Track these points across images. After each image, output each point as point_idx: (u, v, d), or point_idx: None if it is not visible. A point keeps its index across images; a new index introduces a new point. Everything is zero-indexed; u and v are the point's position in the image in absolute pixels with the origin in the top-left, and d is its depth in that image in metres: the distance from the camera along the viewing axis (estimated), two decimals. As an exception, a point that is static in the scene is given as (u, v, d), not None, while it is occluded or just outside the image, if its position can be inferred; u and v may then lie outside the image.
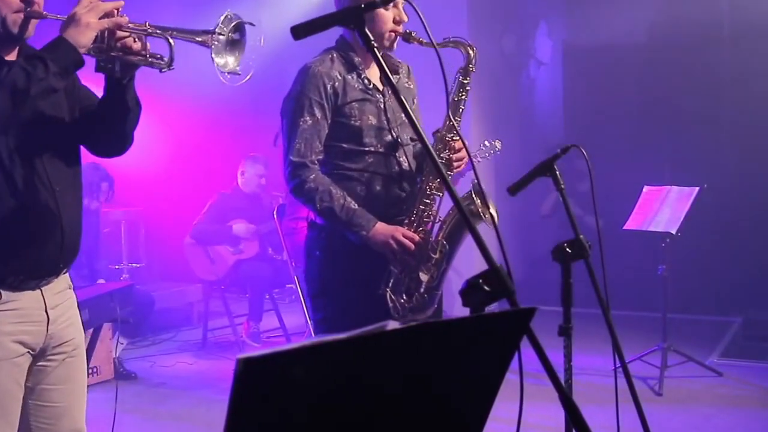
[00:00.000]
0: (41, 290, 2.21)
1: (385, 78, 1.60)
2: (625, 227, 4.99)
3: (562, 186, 2.37)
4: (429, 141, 1.62)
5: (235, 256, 5.95)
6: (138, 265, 6.62)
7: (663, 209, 4.89)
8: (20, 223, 2.13)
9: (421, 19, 1.69)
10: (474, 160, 5.38)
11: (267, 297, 6.09)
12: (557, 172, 2.36)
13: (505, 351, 1.33)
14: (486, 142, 5.57)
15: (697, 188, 4.87)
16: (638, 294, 6.22)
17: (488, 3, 7.18)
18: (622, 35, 7.27)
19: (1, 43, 2.14)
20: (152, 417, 4.64)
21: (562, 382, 2.45)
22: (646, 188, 5.08)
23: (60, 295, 2.28)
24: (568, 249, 2.30)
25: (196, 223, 5.99)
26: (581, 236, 2.31)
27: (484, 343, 1.30)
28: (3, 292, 2.14)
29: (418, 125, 1.61)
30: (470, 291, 1.54)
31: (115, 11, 2.08)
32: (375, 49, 1.65)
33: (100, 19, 2.04)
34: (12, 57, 2.17)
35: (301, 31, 1.70)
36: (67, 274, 2.32)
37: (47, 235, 2.18)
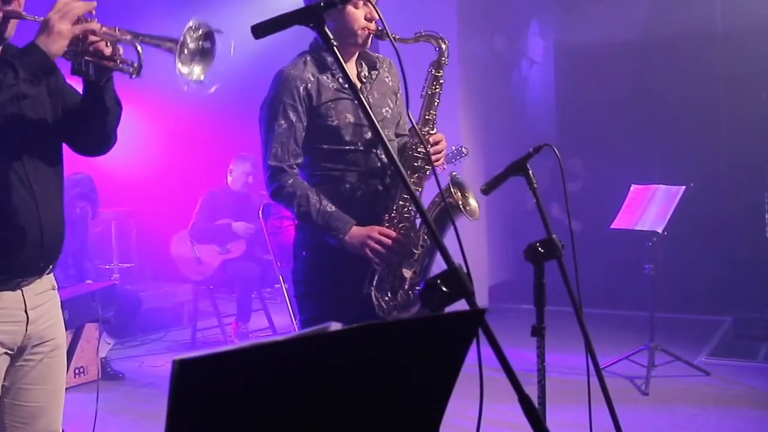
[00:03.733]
0: (22, 290, 2.19)
1: (345, 78, 1.59)
2: (612, 226, 4.99)
3: (535, 185, 2.36)
4: (390, 145, 1.61)
5: (222, 256, 5.95)
6: (128, 265, 6.62)
7: (650, 208, 4.88)
8: None
9: (380, 17, 1.68)
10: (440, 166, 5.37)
11: (254, 297, 6.08)
12: (530, 172, 2.36)
13: (455, 352, 1.32)
14: (453, 147, 5.53)
15: (684, 187, 4.86)
16: (628, 293, 6.21)
17: (478, 2, 7.17)
18: (615, 34, 7.27)
19: None
20: (139, 417, 4.63)
21: (536, 382, 2.46)
22: (633, 187, 5.07)
23: (42, 295, 2.26)
24: (540, 249, 2.29)
25: (193, 223, 6.00)
26: (554, 236, 2.30)
27: (434, 344, 1.29)
28: None
29: (378, 127, 1.60)
30: (428, 292, 1.53)
31: (90, 12, 2.07)
32: (335, 48, 1.64)
33: (73, 25, 2.03)
34: None
35: (260, 30, 1.69)
36: (51, 275, 2.30)
37: (26, 235, 2.15)
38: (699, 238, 6.69)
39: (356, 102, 2.68)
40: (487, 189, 2.43)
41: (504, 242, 7.38)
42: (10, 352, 2.21)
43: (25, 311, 2.20)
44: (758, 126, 6.61)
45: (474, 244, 7.04)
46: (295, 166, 2.68)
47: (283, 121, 2.64)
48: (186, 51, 2.01)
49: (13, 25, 2.13)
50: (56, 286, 2.36)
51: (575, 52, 7.71)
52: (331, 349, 1.14)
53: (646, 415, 4.29)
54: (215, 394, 1.07)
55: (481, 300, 7.44)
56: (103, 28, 2.07)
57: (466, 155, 5.62)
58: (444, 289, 1.52)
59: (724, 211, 6.87)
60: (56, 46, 2.01)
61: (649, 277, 4.84)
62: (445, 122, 7.44)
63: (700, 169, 6.67)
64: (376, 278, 2.68)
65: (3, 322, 2.17)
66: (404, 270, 2.69)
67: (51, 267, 2.28)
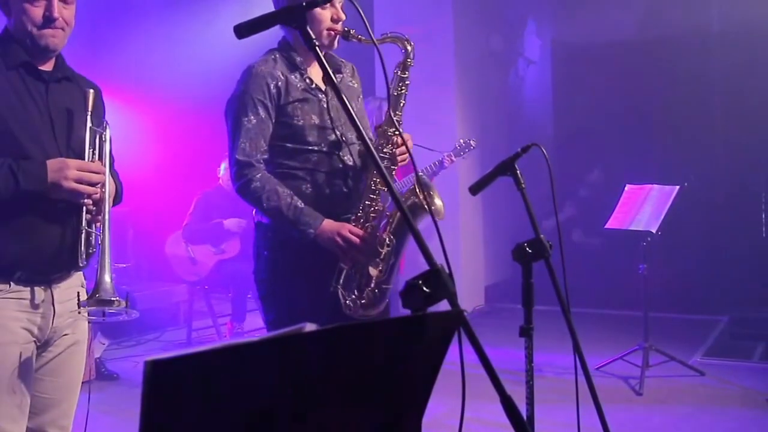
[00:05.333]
0: (52, 287, 2.29)
1: (326, 75, 1.59)
2: (606, 226, 4.99)
3: (523, 186, 2.36)
4: (370, 139, 1.61)
5: (217, 256, 5.95)
6: (124, 265, 6.61)
7: (644, 208, 4.89)
8: (31, 224, 2.21)
9: (361, 15, 1.68)
10: (448, 158, 5.40)
11: (249, 297, 6.08)
12: (518, 171, 2.35)
13: (435, 352, 1.32)
14: (461, 140, 5.57)
15: (678, 187, 4.86)
16: (623, 293, 6.22)
17: (475, 1, 7.16)
18: (611, 34, 7.28)
19: (36, 55, 2.26)
20: (132, 417, 4.60)
21: (524, 382, 2.45)
22: (627, 187, 5.08)
23: (70, 290, 2.34)
24: (528, 249, 2.29)
25: (186, 224, 5.99)
26: (542, 236, 2.30)
27: (414, 344, 1.29)
28: (13, 285, 2.23)
29: (358, 124, 1.60)
30: (409, 292, 1.52)
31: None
32: (317, 48, 1.64)
33: (79, 188, 2.20)
34: (47, 67, 2.31)
35: (244, 30, 1.70)
36: (80, 272, 2.39)
37: (64, 239, 2.26)
38: (695, 238, 6.70)
39: (324, 104, 2.70)
40: (475, 189, 2.43)
41: (500, 242, 7.38)
42: (38, 342, 2.30)
43: (53, 304, 2.30)
44: (754, 125, 6.62)
45: (470, 245, 7.04)
46: (262, 162, 2.67)
47: (252, 117, 2.64)
48: None
49: (62, 38, 2.27)
50: (84, 284, 2.45)
51: (572, 52, 7.72)
52: (306, 350, 1.13)
53: (640, 415, 4.29)
54: (189, 394, 1.07)
55: (478, 300, 7.44)
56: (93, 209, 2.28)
57: (474, 147, 5.64)
58: (425, 289, 1.52)
59: (720, 211, 6.87)
60: (56, 193, 2.19)
61: (644, 276, 4.85)
62: (442, 121, 7.45)
63: (697, 168, 6.67)
64: (342, 277, 2.67)
65: (32, 312, 2.27)
66: (371, 268, 2.68)
67: (83, 266, 2.35)
